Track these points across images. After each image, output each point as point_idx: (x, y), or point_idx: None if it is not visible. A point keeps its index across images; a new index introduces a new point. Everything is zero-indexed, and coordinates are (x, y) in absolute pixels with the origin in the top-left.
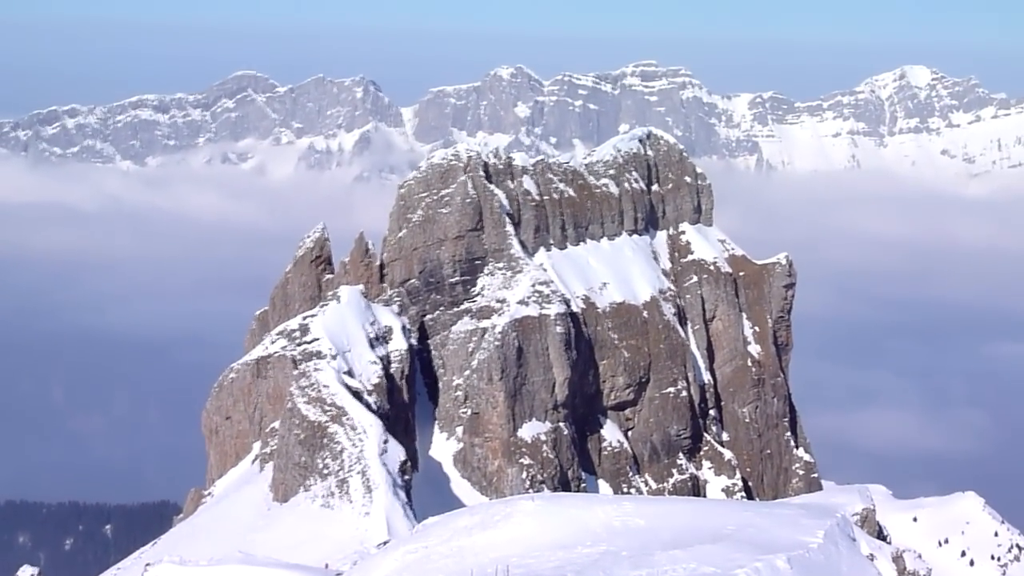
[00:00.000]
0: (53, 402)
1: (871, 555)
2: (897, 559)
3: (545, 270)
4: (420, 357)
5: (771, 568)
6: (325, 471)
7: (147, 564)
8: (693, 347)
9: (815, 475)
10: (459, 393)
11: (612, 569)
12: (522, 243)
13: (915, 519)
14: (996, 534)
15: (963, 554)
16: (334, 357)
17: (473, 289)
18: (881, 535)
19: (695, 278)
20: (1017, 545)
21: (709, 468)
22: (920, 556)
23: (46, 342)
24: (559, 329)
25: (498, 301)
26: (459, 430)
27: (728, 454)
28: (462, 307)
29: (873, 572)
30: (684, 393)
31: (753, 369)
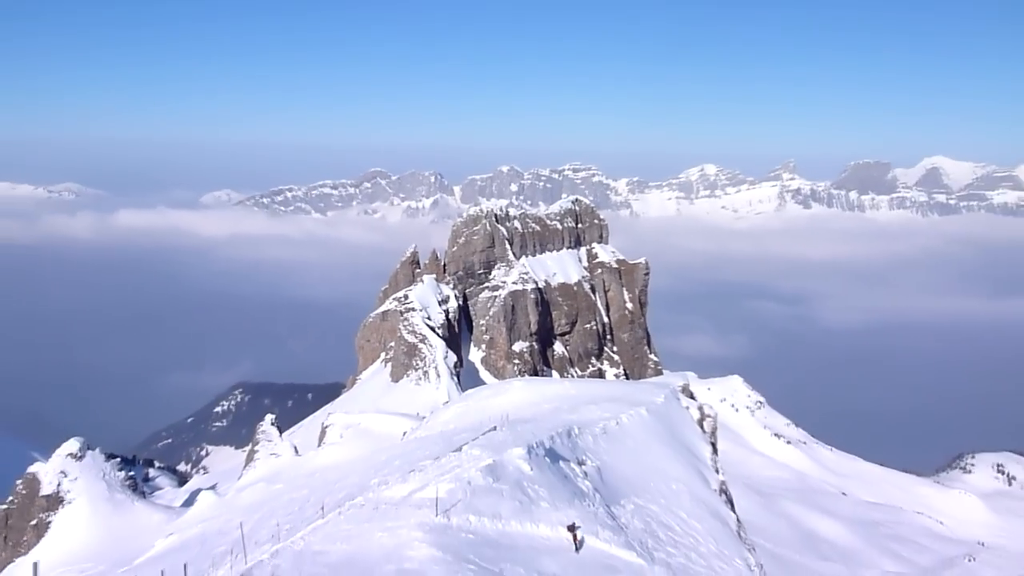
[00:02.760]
0: (278, 333)
1: (687, 407)
2: (700, 408)
3: (525, 267)
4: (463, 310)
5: (639, 414)
6: (416, 367)
7: (328, 413)
8: (599, 304)
9: (660, 368)
10: (483, 327)
11: (559, 415)
12: (514, 254)
13: (709, 388)
14: (749, 396)
15: (732, 406)
16: (420, 310)
17: (490, 276)
18: (692, 397)
19: (600, 271)
20: (758, 401)
21: (607, 365)
22: (711, 407)
23: (278, 304)
24: (532, 296)
25: (502, 282)
26: (483, 346)
27: (616, 358)
28: (484, 285)
29: (688, 416)
30: (594, 328)
31: (629, 316)
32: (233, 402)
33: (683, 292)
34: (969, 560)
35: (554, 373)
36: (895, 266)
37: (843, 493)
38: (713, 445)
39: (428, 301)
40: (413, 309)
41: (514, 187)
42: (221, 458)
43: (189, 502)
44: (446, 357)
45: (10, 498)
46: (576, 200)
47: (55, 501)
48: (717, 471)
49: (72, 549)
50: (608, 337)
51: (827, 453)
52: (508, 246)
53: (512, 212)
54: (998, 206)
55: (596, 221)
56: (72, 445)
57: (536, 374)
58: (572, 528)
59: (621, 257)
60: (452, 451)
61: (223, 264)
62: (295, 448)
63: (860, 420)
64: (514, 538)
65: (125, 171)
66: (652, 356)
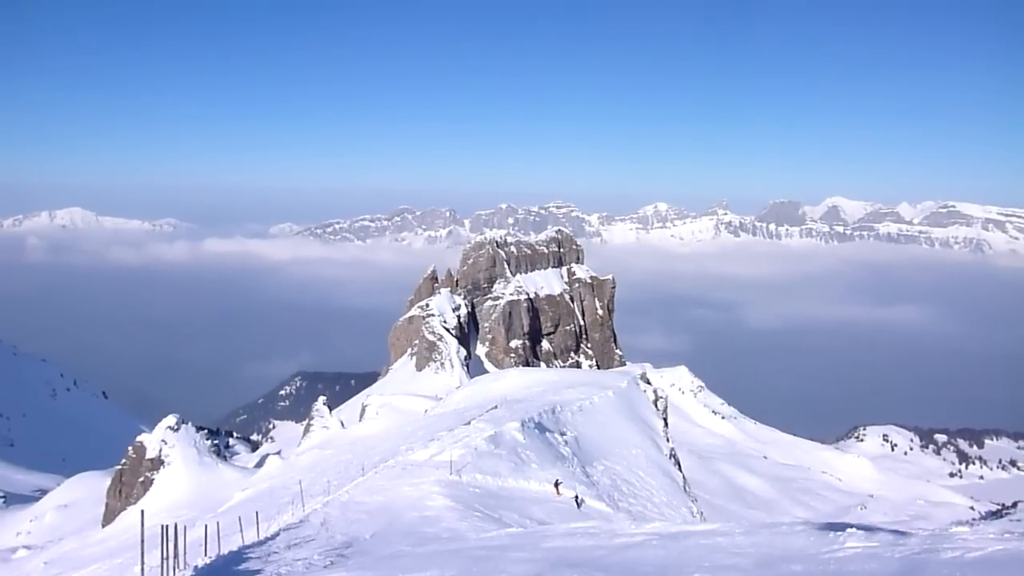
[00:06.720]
0: (328, 333)
1: (644, 390)
2: (654, 391)
3: (519, 282)
4: (472, 315)
5: (607, 395)
6: (435, 360)
7: (367, 395)
8: (576, 311)
9: (624, 360)
10: (487, 329)
11: (545, 396)
12: (511, 272)
13: (661, 376)
14: (692, 381)
15: (679, 390)
16: (438, 316)
17: (492, 289)
18: (648, 382)
19: (577, 285)
20: (699, 385)
21: (583, 358)
22: (662, 390)
23: (328, 311)
24: (524, 305)
25: (501, 294)
26: (487, 343)
27: (590, 352)
28: (488, 296)
29: (645, 397)
30: (572, 329)
31: (599, 320)
32: (294, 387)
33: (641, 302)
34: (861, 508)
35: (542, 364)
36: (803, 282)
37: (764, 456)
38: (664, 420)
39: (444, 309)
40: (432, 315)
41: (511, 220)
42: (284, 430)
43: (260, 464)
44: (458, 352)
45: (123, 460)
46: (558, 230)
47: (157, 463)
48: (667, 440)
49: (171, 500)
50: (583, 336)
51: (751, 425)
52: (506, 266)
53: (509, 240)
54: (883, 235)
55: (574, 247)
56: (170, 420)
57: (527, 365)
58: (556, 484)
59: (593, 274)
60: (463, 424)
61: (286, 281)
62: (341, 422)
63: (777, 400)
64: (510, 491)
65: (211, 208)
66: (618, 351)
